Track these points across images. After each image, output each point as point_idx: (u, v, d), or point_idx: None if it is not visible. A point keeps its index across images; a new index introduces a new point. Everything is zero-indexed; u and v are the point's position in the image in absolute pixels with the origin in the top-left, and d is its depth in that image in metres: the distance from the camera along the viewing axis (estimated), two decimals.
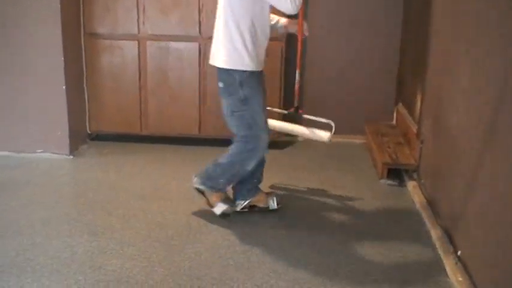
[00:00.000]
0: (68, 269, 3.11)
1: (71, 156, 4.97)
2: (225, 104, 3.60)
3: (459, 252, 3.13)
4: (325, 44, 5.48)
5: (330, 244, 3.48)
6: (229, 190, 3.84)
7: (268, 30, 3.59)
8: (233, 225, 3.69)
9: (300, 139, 5.47)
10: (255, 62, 3.50)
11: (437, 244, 3.43)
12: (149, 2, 5.04)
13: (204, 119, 5.25)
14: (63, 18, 4.70)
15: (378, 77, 5.54)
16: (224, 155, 3.68)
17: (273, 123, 4.16)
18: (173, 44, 5.11)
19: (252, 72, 3.50)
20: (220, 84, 3.57)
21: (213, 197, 3.73)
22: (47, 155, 4.95)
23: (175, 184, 4.39)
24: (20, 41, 4.72)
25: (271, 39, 4.96)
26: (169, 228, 3.64)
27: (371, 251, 3.41)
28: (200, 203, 3.99)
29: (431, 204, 3.87)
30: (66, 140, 4.93)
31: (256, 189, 3.89)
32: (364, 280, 3.09)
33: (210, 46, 5.00)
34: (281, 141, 5.39)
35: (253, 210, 3.87)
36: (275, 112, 4.44)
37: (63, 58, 4.74)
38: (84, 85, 5.23)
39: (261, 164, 3.84)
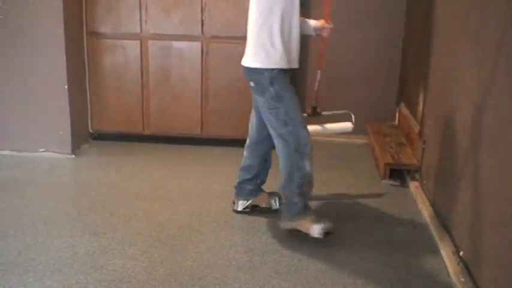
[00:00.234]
0: (69, 268, 3.10)
1: (73, 156, 4.97)
2: (261, 101, 3.52)
3: (461, 253, 3.12)
4: (327, 46, 5.47)
5: (332, 244, 3.47)
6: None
7: (299, 26, 3.50)
8: (235, 226, 3.69)
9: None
10: (284, 59, 3.43)
11: (440, 244, 3.42)
12: (152, 1, 5.04)
13: (206, 118, 5.25)
14: (66, 17, 4.70)
15: (380, 77, 5.53)
16: (280, 180, 3.54)
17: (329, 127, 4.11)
18: (175, 44, 5.11)
19: (281, 70, 3.43)
20: (252, 84, 3.51)
21: (304, 224, 3.46)
22: (49, 154, 4.95)
23: (177, 184, 4.38)
24: (23, 41, 4.72)
25: None
26: (170, 228, 3.63)
27: (373, 251, 3.40)
28: (202, 203, 4.00)
29: (434, 204, 3.86)
30: (68, 140, 4.93)
31: (259, 190, 3.89)
32: (365, 280, 3.08)
33: (212, 46, 5.08)
34: None
35: (254, 210, 3.86)
36: None
37: (65, 57, 4.74)
38: (86, 84, 5.24)
39: (265, 165, 3.86)
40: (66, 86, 4.81)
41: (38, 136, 4.92)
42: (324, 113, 4.15)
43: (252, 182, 3.84)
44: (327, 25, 3.72)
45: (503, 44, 2.71)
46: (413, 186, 4.34)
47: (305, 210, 3.49)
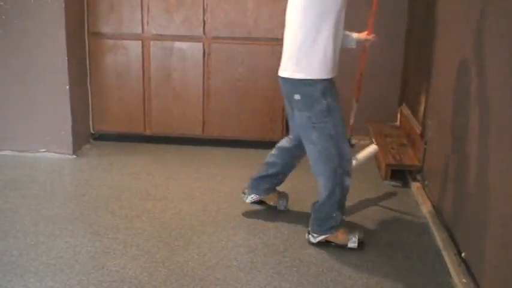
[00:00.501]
0: (71, 269, 3.10)
1: (74, 156, 4.97)
2: (303, 116, 3.34)
3: (463, 254, 3.12)
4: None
5: (333, 245, 3.46)
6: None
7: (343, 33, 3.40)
8: (237, 226, 3.69)
9: None
10: (335, 68, 3.34)
11: (441, 245, 3.42)
12: (153, 1, 5.04)
13: (208, 119, 5.24)
14: (67, 18, 4.69)
15: (382, 77, 5.52)
16: (319, 194, 3.43)
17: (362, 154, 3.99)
18: (177, 44, 5.11)
19: (331, 80, 3.33)
20: (297, 97, 3.32)
21: (339, 236, 3.45)
22: (50, 154, 4.95)
23: (179, 184, 4.38)
24: (24, 41, 4.72)
25: (272, 40, 5.02)
26: (172, 228, 3.63)
27: (374, 252, 3.40)
28: (203, 204, 4.00)
29: (435, 205, 3.86)
30: (69, 140, 4.93)
31: (273, 190, 3.89)
32: (368, 281, 3.08)
33: (214, 46, 5.07)
34: None
35: (261, 205, 3.92)
36: None
37: (66, 57, 4.74)
38: (88, 85, 5.23)
39: (289, 167, 3.83)
40: (67, 86, 4.80)
41: (39, 136, 4.92)
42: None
43: (270, 181, 3.83)
44: (370, 37, 3.69)
45: (506, 45, 2.70)
46: (414, 187, 4.34)
47: (342, 223, 3.47)
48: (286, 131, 5.31)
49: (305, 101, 3.30)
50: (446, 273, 3.17)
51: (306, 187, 4.36)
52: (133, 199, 4.08)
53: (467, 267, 3.04)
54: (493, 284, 2.68)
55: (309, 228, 3.50)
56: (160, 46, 5.13)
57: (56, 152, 4.95)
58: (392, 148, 4.78)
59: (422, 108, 4.50)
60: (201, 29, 5.04)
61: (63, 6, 4.63)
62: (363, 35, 3.66)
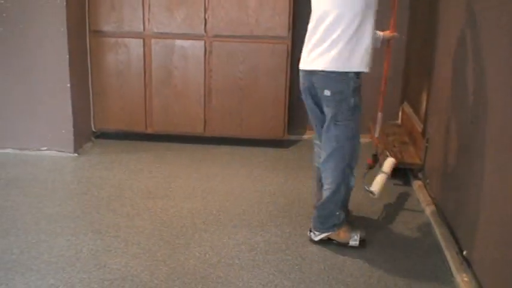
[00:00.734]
0: (72, 267, 3.10)
1: (76, 154, 4.97)
2: (329, 113, 3.29)
3: (465, 252, 3.12)
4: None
5: (334, 243, 3.46)
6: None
7: None
8: (238, 225, 3.69)
9: (305, 137, 5.50)
10: (371, 61, 3.28)
11: (443, 244, 3.41)
12: None
13: (209, 117, 5.24)
14: (68, 16, 4.69)
15: (383, 75, 5.51)
16: (324, 192, 3.41)
17: (377, 186, 3.82)
18: (178, 42, 5.10)
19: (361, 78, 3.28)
20: (327, 93, 3.24)
21: (341, 234, 3.43)
22: (52, 152, 4.95)
23: (180, 183, 4.38)
24: (25, 39, 4.71)
25: (273, 38, 5.02)
26: (174, 226, 3.63)
27: (376, 250, 3.40)
28: (205, 202, 4.00)
29: (437, 204, 3.85)
30: (70, 138, 4.93)
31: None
32: (369, 279, 3.08)
33: (215, 44, 5.07)
34: (286, 140, 5.38)
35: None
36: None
37: (67, 56, 4.74)
38: (89, 83, 5.23)
39: None
40: (68, 85, 4.80)
41: (41, 135, 4.92)
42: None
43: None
44: (394, 35, 3.67)
45: (506, 42, 2.70)
46: (416, 185, 4.34)
47: (344, 221, 3.46)
48: (288, 129, 5.33)
49: (334, 97, 3.24)
50: (447, 272, 3.16)
51: (307, 186, 4.36)
52: (134, 197, 4.08)
53: (469, 266, 3.04)
54: (495, 282, 2.68)
55: (311, 226, 3.49)
56: (162, 44, 5.12)
57: (57, 150, 4.95)
58: (394, 146, 4.77)
59: (424, 106, 4.50)
60: (203, 27, 5.04)
61: (64, 4, 4.63)
62: (387, 33, 3.65)
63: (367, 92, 5.49)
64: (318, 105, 3.42)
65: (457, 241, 3.32)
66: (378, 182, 3.80)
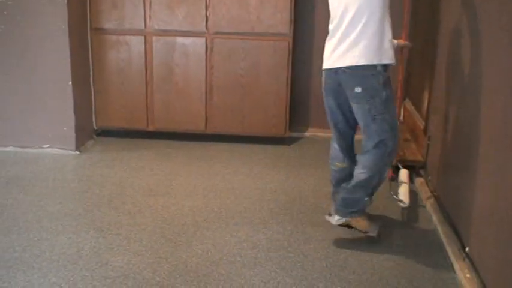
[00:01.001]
0: (74, 265, 3.10)
1: (77, 152, 4.96)
2: (363, 109, 3.26)
3: (467, 249, 3.12)
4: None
5: (337, 240, 3.46)
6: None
7: None
8: (240, 222, 3.69)
9: (307, 135, 5.50)
10: (394, 54, 3.27)
11: (445, 240, 3.41)
12: None
13: (210, 115, 5.24)
14: (70, 14, 4.69)
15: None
16: (357, 175, 3.38)
17: (405, 196, 3.86)
18: (180, 39, 5.10)
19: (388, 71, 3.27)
20: (358, 89, 3.20)
21: (361, 222, 3.47)
22: (53, 150, 4.95)
23: (182, 180, 4.38)
24: (26, 37, 4.71)
25: (275, 35, 5.01)
26: (176, 224, 3.63)
27: (378, 247, 3.40)
28: (206, 199, 3.99)
29: (439, 200, 3.85)
30: (72, 136, 4.93)
31: None
32: (371, 277, 3.08)
33: (216, 41, 5.06)
34: (287, 138, 5.38)
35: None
36: None
37: (69, 53, 4.74)
38: (90, 81, 5.23)
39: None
40: (70, 82, 4.80)
41: (42, 132, 4.92)
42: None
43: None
44: (406, 44, 3.65)
45: (507, 40, 2.69)
46: (418, 182, 4.33)
47: (366, 210, 3.49)
48: (290, 126, 5.32)
49: (365, 93, 3.21)
50: (450, 268, 3.16)
51: (308, 184, 4.36)
52: (136, 195, 4.07)
53: (471, 262, 3.03)
54: (497, 279, 2.68)
55: (332, 209, 3.48)
56: (163, 42, 5.12)
57: (58, 148, 4.95)
58: None
59: (425, 103, 4.49)
60: (204, 24, 5.03)
61: (66, 2, 4.62)
62: (401, 41, 3.65)
63: None
64: (340, 106, 3.40)
65: (459, 238, 3.31)
66: (404, 192, 3.86)
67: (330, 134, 5.48)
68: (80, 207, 3.87)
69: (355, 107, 3.30)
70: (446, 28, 4.01)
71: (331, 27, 3.33)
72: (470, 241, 3.11)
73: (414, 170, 4.49)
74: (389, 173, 4.07)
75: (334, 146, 3.61)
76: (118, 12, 5.08)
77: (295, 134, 5.55)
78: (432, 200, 3.95)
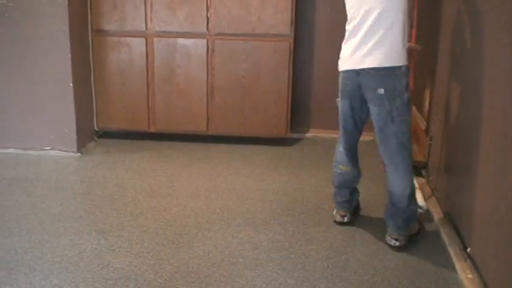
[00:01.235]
0: (75, 267, 3.10)
1: (79, 154, 4.97)
2: (384, 111, 3.21)
3: (469, 249, 3.11)
4: (333, 44, 5.44)
5: (339, 241, 3.46)
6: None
7: None
8: (242, 223, 3.69)
9: (308, 136, 5.50)
10: None
11: (447, 241, 3.41)
12: None
13: (212, 115, 5.24)
14: (70, 15, 4.69)
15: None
16: (402, 191, 3.31)
17: (422, 201, 3.87)
18: (181, 41, 5.10)
19: None
20: (381, 91, 3.17)
21: (411, 227, 3.47)
22: (54, 152, 4.95)
23: (183, 181, 4.38)
24: (27, 38, 4.71)
25: (276, 36, 5.01)
26: (177, 225, 3.63)
27: (380, 248, 3.39)
28: (208, 201, 4.00)
29: (440, 201, 3.85)
30: (73, 137, 4.93)
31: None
32: (372, 277, 3.08)
33: (217, 43, 5.06)
34: (289, 138, 5.38)
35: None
36: None
37: (70, 55, 4.74)
38: (92, 82, 5.23)
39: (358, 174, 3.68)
40: (71, 84, 4.80)
41: (44, 134, 4.92)
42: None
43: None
44: (416, 46, 3.64)
45: (508, 43, 2.69)
46: (419, 182, 4.32)
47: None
48: (291, 127, 5.32)
49: (388, 94, 3.17)
50: (451, 269, 3.16)
51: (309, 185, 4.36)
52: (137, 196, 4.08)
53: (473, 263, 3.03)
54: (499, 279, 2.67)
55: (394, 234, 3.39)
56: (164, 43, 5.12)
57: (60, 150, 4.95)
58: None
59: (427, 103, 4.49)
60: (205, 25, 5.03)
61: (66, 4, 4.62)
62: (411, 44, 3.62)
63: None
64: (353, 108, 3.37)
65: (461, 238, 3.31)
66: (420, 197, 3.86)
67: (331, 134, 5.52)
68: (82, 209, 3.87)
69: (375, 109, 3.25)
70: (447, 28, 4.01)
71: (349, 27, 3.29)
72: (472, 241, 3.11)
73: (416, 170, 4.49)
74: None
75: (340, 150, 3.58)
76: (119, 14, 5.08)
77: (296, 135, 5.54)
78: (434, 200, 3.94)
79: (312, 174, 4.58)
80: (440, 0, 4.22)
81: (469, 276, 2.97)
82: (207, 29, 5.05)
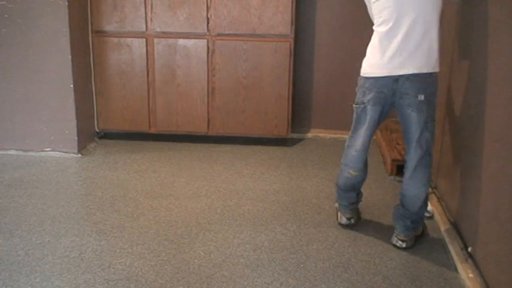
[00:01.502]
0: (76, 268, 3.10)
1: (79, 155, 4.97)
2: (422, 117, 3.14)
3: (470, 249, 3.11)
4: (334, 43, 5.45)
5: (340, 240, 3.46)
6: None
7: None
8: (243, 224, 3.68)
9: (309, 136, 5.50)
10: None
11: (448, 240, 3.41)
12: None
13: (212, 116, 5.24)
14: (70, 16, 4.69)
15: None
16: (418, 195, 3.29)
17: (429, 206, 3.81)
18: (181, 41, 5.10)
19: None
20: (421, 97, 3.09)
21: (418, 230, 3.48)
22: (55, 153, 4.95)
23: (184, 182, 4.38)
24: (27, 40, 4.71)
25: (276, 36, 5.01)
26: (178, 226, 3.63)
27: (381, 248, 3.39)
28: (209, 201, 3.99)
29: (441, 200, 3.84)
30: (74, 139, 4.93)
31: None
32: (374, 277, 3.07)
33: (218, 43, 5.06)
34: (289, 139, 5.37)
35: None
36: None
37: (70, 56, 4.74)
38: (92, 83, 5.23)
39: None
40: (71, 85, 4.80)
41: (44, 135, 4.93)
42: None
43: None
44: None
45: (508, 42, 2.69)
46: None
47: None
48: (292, 127, 5.32)
49: (427, 100, 3.11)
50: (452, 268, 3.15)
51: (310, 185, 4.36)
52: (138, 197, 4.07)
53: (474, 262, 3.03)
54: (500, 279, 2.67)
55: (401, 235, 3.37)
56: (164, 43, 5.12)
57: (61, 151, 4.95)
58: (398, 144, 4.76)
59: None
60: (205, 26, 5.03)
61: (67, 4, 4.62)
62: None
63: None
64: (381, 116, 3.31)
65: (462, 237, 3.31)
66: (430, 204, 3.84)
67: (332, 134, 5.53)
68: (83, 210, 3.87)
69: (414, 116, 3.15)
70: (446, 28, 4.01)
71: (380, 29, 3.17)
72: (473, 241, 3.10)
73: None
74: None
75: (352, 154, 3.44)
76: (119, 15, 5.08)
77: (297, 135, 5.55)
78: (434, 199, 3.94)
79: (313, 174, 4.58)
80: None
81: (470, 275, 2.96)
82: (208, 30, 5.05)
